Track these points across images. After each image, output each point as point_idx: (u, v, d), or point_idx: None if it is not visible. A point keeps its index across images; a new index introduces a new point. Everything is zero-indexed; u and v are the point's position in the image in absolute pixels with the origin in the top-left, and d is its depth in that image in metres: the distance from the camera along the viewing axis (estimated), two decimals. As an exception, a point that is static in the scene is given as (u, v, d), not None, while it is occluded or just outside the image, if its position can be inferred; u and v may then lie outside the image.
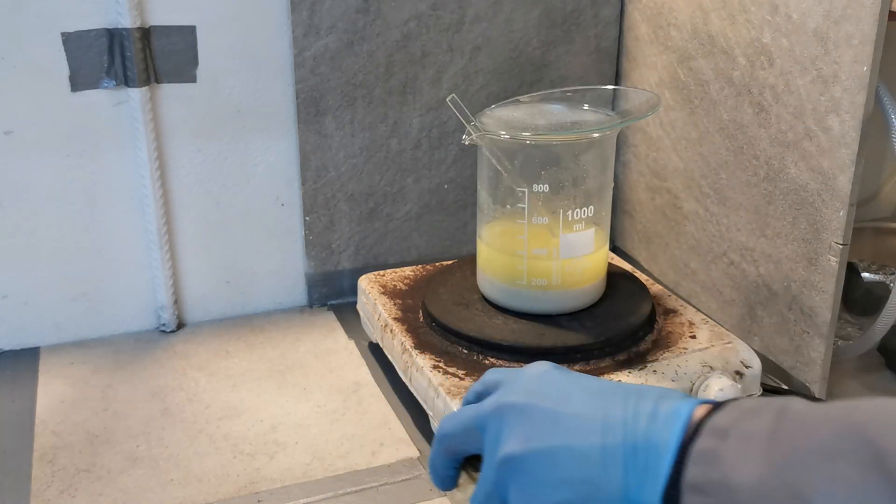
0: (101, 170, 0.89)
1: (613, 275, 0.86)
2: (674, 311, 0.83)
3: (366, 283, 0.90)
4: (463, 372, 0.73)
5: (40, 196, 0.88)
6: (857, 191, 0.74)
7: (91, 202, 0.90)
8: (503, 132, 0.75)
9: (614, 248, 1.10)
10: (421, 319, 0.82)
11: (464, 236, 1.05)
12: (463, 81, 0.98)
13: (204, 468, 0.73)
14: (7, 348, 0.91)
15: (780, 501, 0.37)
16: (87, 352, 0.91)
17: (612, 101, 0.85)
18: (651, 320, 0.80)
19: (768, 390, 0.81)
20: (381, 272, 0.92)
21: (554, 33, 1.00)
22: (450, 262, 0.92)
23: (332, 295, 1.01)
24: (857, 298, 0.93)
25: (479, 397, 0.51)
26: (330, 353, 0.91)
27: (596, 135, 0.77)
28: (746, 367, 0.76)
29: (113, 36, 0.85)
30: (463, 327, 0.78)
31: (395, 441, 0.77)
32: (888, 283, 0.91)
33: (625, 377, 0.73)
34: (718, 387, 0.72)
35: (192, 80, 0.89)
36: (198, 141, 0.92)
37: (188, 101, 0.90)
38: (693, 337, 0.79)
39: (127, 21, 0.84)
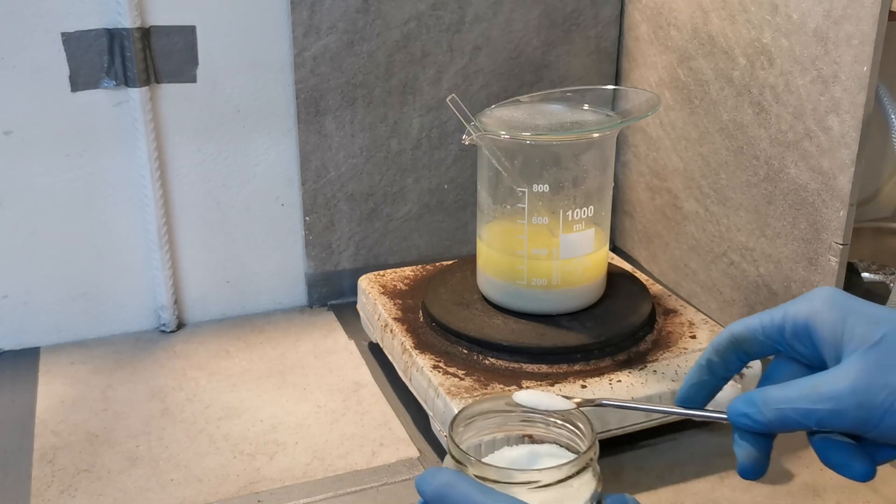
0: (101, 170, 0.89)
1: (613, 275, 0.86)
2: (674, 311, 0.83)
3: (366, 283, 0.90)
4: (463, 372, 0.73)
5: (40, 196, 0.88)
6: (857, 191, 0.74)
7: (91, 202, 0.90)
8: (503, 132, 0.75)
9: (614, 248, 1.10)
10: (421, 319, 0.82)
11: (464, 236, 1.05)
12: (463, 81, 0.98)
13: (204, 468, 0.73)
14: (7, 348, 0.91)
15: None
16: (87, 352, 0.91)
17: (612, 101, 0.85)
18: (651, 320, 0.80)
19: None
20: (381, 272, 0.92)
21: (554, 33, 1.00)
22: (450, 262, 0.92)
23: (332, 295, 1.01)
24: (857, 298, 0.92)
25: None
26: (330, 353, 0.91)
27: (596, 135, 0.77)
28: (746, 367, 0.76)
29: (113, 36, 0.85)
30: (463, 327, 0.78)
31: (395, 441, 0.77)
32: (888, 283, 0.91)
33: (625, 377, 0.73)
34: (718, 387, 0.72)
35: (192, 80, 0.89)
36: (198, 141, 0.92)
37: (188, 101, 0.90)
38: (693, 337, 0.79)
39: (127, 21, 0.84)
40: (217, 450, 0.76)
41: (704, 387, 0.52)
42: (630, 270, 0.90)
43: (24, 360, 0.90)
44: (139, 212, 0.91)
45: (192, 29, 0.88)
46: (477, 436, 0.57)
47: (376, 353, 0.90)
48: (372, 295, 0.87)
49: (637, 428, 0.72)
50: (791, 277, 0.82)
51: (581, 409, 0.55)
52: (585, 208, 0.78)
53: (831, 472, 0.73)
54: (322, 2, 0.90)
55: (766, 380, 0.50)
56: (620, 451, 0.74)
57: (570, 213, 0.77)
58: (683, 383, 0.53)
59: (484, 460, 0.56)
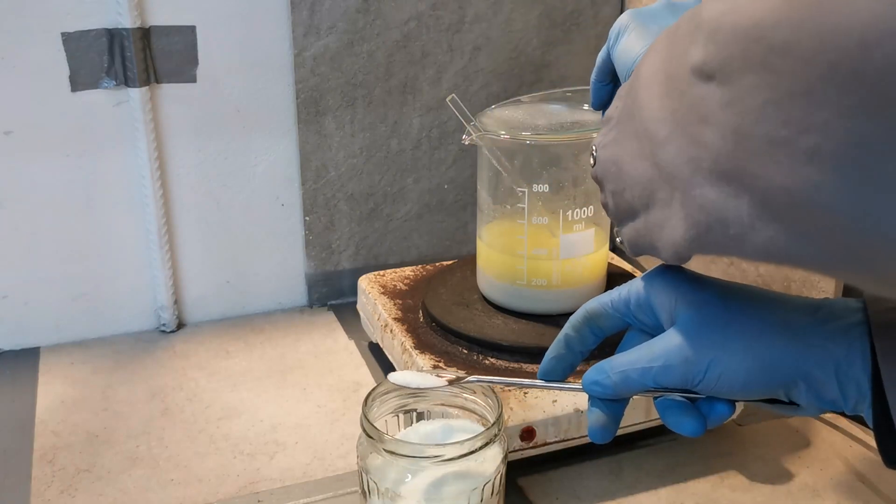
0: (101, 170, 0.89)
1: (613, 275, 0.86)
2: (674, 311, 0.83)
3: (366, 283, 0.90)
4: (463, 372, 0.73)
5: (40, 196, 0.88)
6: (857, 191, 0.74)
7: (91, 202, 0.90)
8: (503, 132, 0.75)
9: (614, 248, 1.10)
10: (421, 319, 0.82)
11: (464, 236, 1.05)
12: (463, 81, 0.98)
13: (204, 468, 0.73)
14: (7, 348, 0.91)
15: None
16: (87, 352, 0.91)
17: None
18: (651, 320, 0.80)
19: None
20: (381, 272, 0.92)
21: (554, 33, 1.00)
22: (450, 262, 0.92)
23: (332, 295, 1.01)
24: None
25: None
26: (330, 353, 0.91)
27: (596, 135, 0.77)
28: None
29: (113, 36, 0.85)
30: (463, 327, 0.78)
31: (395, 441, 0.77)
32: (888, 283, 0.91)
33: (625, 377, 0.73)
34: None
35: (192, 80, 0.89)
36: (198, 141, 0.92)
37: (188, 101, 0.90)
38: (693, 337, 0.78)
39: (127, 21, 0.84)
40: (217, 450, 0.76)
41: (563, 361, 0.56)
42: (630, 270, 0.90)
43: (24, 360, 0.90)
44: (139, 212, 0.91)
45: (192, 29, 0.88)
46: (390, 411, 0.62)
47: (376, 353, 0.90)
48: (372, 295, 0.87)
49: (637, 428, 0.72)
50: (791, 277, 0.82)
51: (452, 384, 0.58)
52: (585, 208, 0.78)
53: (832, 471, 0.73)
54: (322, 2, 0.90)
55: (618, 351, 0.54)
56: (620, 451, 0.74)
57: (570, 213, 0.77)
58: (544, 358, 0.56)
59: (398, 435, 0.60)
